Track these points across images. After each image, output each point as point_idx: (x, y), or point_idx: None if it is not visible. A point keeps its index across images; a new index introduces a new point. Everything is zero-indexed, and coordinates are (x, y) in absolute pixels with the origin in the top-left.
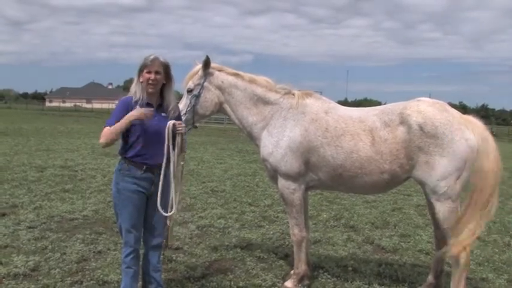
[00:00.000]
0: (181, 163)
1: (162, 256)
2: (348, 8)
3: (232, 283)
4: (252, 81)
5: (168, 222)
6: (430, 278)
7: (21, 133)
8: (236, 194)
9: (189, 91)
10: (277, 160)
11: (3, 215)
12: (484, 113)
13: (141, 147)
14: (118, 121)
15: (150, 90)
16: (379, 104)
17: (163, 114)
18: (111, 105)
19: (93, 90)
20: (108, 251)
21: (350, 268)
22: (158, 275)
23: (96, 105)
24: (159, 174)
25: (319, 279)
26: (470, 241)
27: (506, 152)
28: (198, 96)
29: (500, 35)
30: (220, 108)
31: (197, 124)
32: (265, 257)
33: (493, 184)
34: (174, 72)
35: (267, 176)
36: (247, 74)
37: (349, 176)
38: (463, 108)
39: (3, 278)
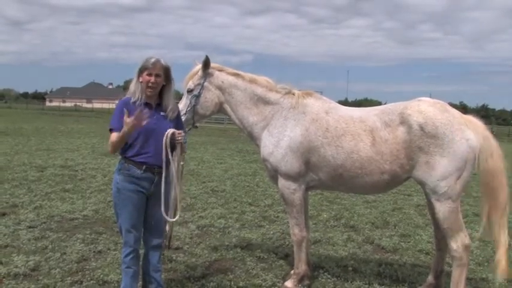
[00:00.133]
0: (181, 163)
1: (162, 256)
2: (348, 8)
3: (232, 283)
4: (252, 81)
5: (167, 227)
6: (430, 278)
7: (22, 133)
8: (236, 194)
9: (189, 91)
10: (277, 160)
11: (4, 214)
12: (484, 113)
13: (140, 147)
14: (120, 122)
15: (149, 92)
16: (379, 104)
17: (162, 113)
18: (112, 105)
19: (94, 90)
20: (108, 251)
21: (350, 268)
22: (158, 275)
23: (97, 105)
24: (159, 173)
25: (319, 279)
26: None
27: (506, 152)
28: (198, 96)
29: (500, 35)
30: (220, 108)
31: (197, 124)
32: (266, 257)
33: (505, 181)
34: (174, 72)
35: (267, 176)
36: (247, 74)
37: (349, 176)
38: (463, 108)
39: (4, 277)
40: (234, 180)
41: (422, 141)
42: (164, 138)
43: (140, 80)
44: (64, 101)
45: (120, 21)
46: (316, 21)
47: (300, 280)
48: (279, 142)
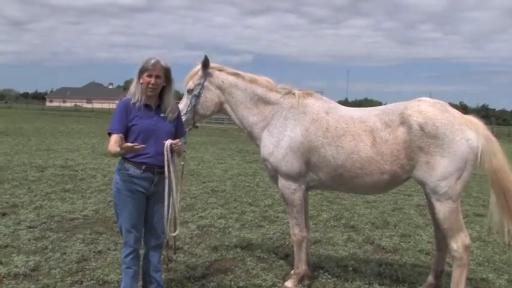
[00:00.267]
0: (182, 163)
1: (162, 256)
2: (348, 8)
3: (232, 283)
4: (252, 81)
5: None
6: (431, 278)
7: (22, 133)
8: (236, 194)
9: (189, 91)
10: (277, 160)
11: (4, 214)
12: (485, 113)
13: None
14: (120, 124)
15: (149, 93)
16: (379, 104)
17: (162, 114)
18: (112, 105)
19: (94, 90)
20: (109, 251)
21: (350, 268)
22: (158, 275)
23: (97, 105)
24: (159, 173)
25: (320, 279)
26: None
27: (506, 152)
28: (198, 96)
29: (500, 35)
30: (220, 108)
31: (198, 124)
32: (266, 257)
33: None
34: (174, 72)
35: (267, 176)
36: (247, 74)
37: (349, 176)
38: (464, 108)
39: (4, 277)
40: (234, 180)
41: (422, 141)
42: (165, 152)
43: (140, 82)
44: (64, 101)
45: (120, 21)
46: (316, 21)
47: (300, 280)
48: (279, 142)
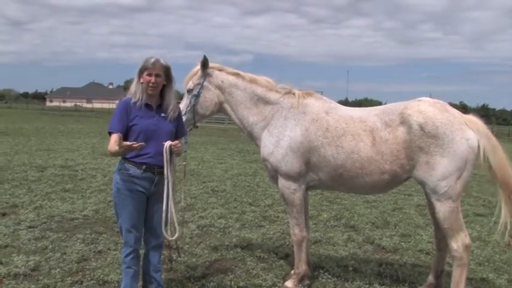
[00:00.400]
0: (184, 163)
1: (162, 256)
2: (348, 8)
3: (232, 283)
4: (252, 81)
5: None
6: (431, 278)
7: (22, 133)
8: (236, 193)
9: (189, 91)
10: (277, 160)
11: (4, 214)
12: (485, 113)
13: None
14: (120, 124)
15: (150, 92)
16: (379, 104)
17: (162, 114)
18: (112, 105)
19: (94, 90)
20: (109, 251)
21: (350, 268)
22: (158, 275)
23: (97, 105)
24: (160, 173)
25: (320, 279)
26: None
27: (506, 152)
28: (197, 96)
29: (500, 35)
30: (220, 108)
31: (198, 124)
32: (266, 256)
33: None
34: (174, 72)
35: (267, 176)
36: (247, 74)
37: (349, 176)
38: (464, 108)
39: (4, 277)
40: (234, 180)
41: (422, 141)
42: (164, 153)
43: (141, 81)
44: (64, 101)
45: (120, 21)
46: (317, 21)
47: (300, 280)
48: (279, 142)
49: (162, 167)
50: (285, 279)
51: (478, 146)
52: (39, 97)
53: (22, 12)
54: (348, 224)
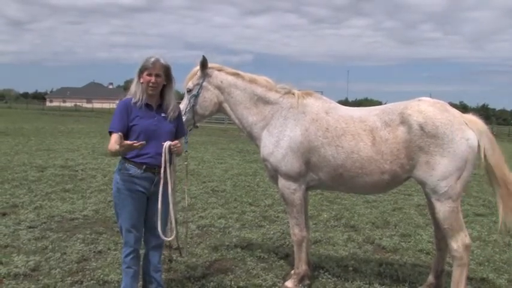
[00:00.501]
0: (185, 163)
1: (162, 256)
2: (348, 8)
3: (232, 283)
4: (252, 81)
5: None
6: (431, 278)
7: (22, 133)
8: (236, 193)
9: (189, 91)
10: (277, 160)
11: (4, 214)
12: (485, 113)
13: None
14: (121, 124)
15: (150, 92)
16: (379, 103)
17: (163, 114)
18: (112, 105)
19: (94, 90)
20: (109, 251)
21: (350, 268)
22: (159, 275)
23: (97, 105)
24: (160, 173)
25: (320, 279)
26: None
27: (506, 152)
28: (197, 96)
29: (500, 35)
30: (219, 108)
31: (198, 124)
32: (266, 256)
33: (508, 169)
34: (174, 72)
35: (267, 176)
36: (247, 74)
37: (349, 176)
38: (464, 108)
39: (4, 278)
40: (234, 180)
41: (422, 141)
42: (163, 154)
43: (141, 81)
44: (64, 101)
45: (120, 21)
46: (317, 21)
47: (300, 280)
48: (279, 142)
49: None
50: (285, 279)
51: (478, 146)
52: (39, 97)
53: (22, 12)
54: (348, 224)
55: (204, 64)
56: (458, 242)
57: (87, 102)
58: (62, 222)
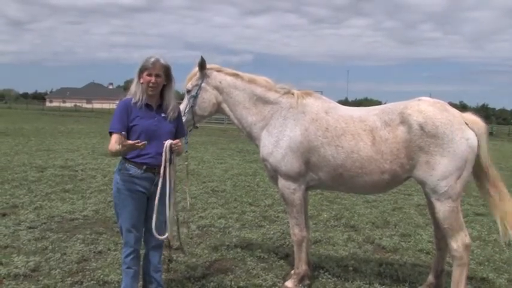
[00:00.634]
0: (186, 163)
1: (162, 256)
2: (348, 8)
3: (232, 283)
4: (251, 81)
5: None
6: (431, 278)
7: (22, 133)
8: (236, 193)
9: (188, 92)
10: (277, 160)
11: (4, 215)
12: (485, 113)
13: (141, 148)
14: (121, 124)
15: (150, 92)
16: (379, 103)
17: (163, 114)
18: (112, 105)
19: (94, 90)
20: (109, 251)
21: (350, 268)
22: (159, 275)
23: (97, 105)
24: (159, 173)
25: (320, 279)
26: None
27: (506, 151)
28: (195, 97)
29: (500, 35)
30: (218, 109)
31: (198, 124)
32: (266, 256)
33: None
34: (174, 72)
35: (267, 176)
36: (246, 74)
37: (349, 176)
38: (464, 108)
39: (4, 278)
40: (234, 180)
41: (422, 140)
42: (163, 152)
43: (141, 81)
44: (64, 101)
45: (120, 21)
46: (317, 21)
47: (300, 280)
48: (278, 142)
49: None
50: (285, 279)
51: (478, 145)
52: (39, 97)
53: (22, 12)
54: (348, 223)
55: (202, 65)
56: (458, 242)
57: (87, 103)
58: (62, 222)
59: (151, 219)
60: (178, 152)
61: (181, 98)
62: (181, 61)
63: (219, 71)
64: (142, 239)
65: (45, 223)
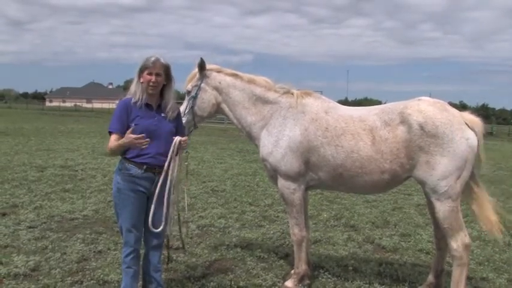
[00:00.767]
0: (186, 163)
1: (162, 256)
2: (348, 8)
3: (232, 283)
4: (250, 81)
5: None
6: (431, 278)
7: (22, 133)
8: (236, 193)
9: (188, 93)
10: (277, 160)
11: (4, 214)
12: (484, 112)
13: (141, 148)
14: (120, 124)
15: (150, 92)
16: (379, 103)
17: (162, 114)
18: (111, 105)
19: (93, 90)
20: (109, 251)
21: (350, 268)
22: (158, 275)
23: (96, 105)
24: (160, 173)
25: (320, 278)
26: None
27: (506, 151)
28: (195, 98)
29: (500, 35)
30: (218, 109)
31: (198, 125)
32: (266, 256)
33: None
34: (174, 72)
35: (266, 176)
36: (245, 75)
37: (349, 176)
38: (463, 108)
39: (4, 278)
40: (234, 180)
41: (422, 140)
42: (172, 147)
43: (141, 81)
44: (64, 101)
45: (120, 21)
46: (317, 21)
47: (300, 280)
48: (278, 142)
49: (163, 167)
50: (285, 279)
51: (478, 145)
52: (39, 97)
53: (22, 12)
54: (348, 223)
55: (202, 66)
56: (458, 242)
57: (87, 102)
58: (61, 222)
59: (152, 218)
60: (184, 147)
61: (180, 97)
62: (181, 61)
63: (218, 71)
64: (142, 239)
65: (45, 223)
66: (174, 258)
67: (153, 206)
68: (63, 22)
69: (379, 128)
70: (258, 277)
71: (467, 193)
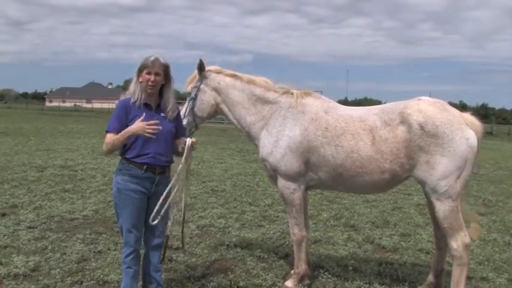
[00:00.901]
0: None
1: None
2: (348, 7)
3: (232, 283)
4: (250, 82)
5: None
6: (431, 277)
7: (22, 133)
8: (236, 193)
9: (188, 94)
10: (276, 160)
11: (3, 215)
12: (484, 112)
13: (141, 148)
14: (119, 124)
15: (149, 91)
16: (379, 103)
17: (162, 114)
18: (111, 105)
19: (93, 90)
20: (109, 251)
21: (350, 267)
22: (158, 275)
23: (96, 105)
24: (160, 173)
25: (320, 278)
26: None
27: (506, 151)
28: (195, 99)
29: (500, 35)
30: (217, 110)
31: (199, 126)
32: (266, 256)
33: None
34: (174, 72)
35: (266, 176)
36: (245, 75)
37: (349, 176)
38: (463, 108)
39: (4, 278)
40: (234, 179)
41: (422, 140)
42: (186, 147)
43: (140, 80)
44: (64, 101)
45: (120, 21)
46: (317, 20)
47: (300, 280)
48: (278, 142)
49: (163, 167)
50: (285, 278)
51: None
52: (39, 97)
53: (22, 12)
54: (348, 223)
55: (201, 67)
56: (458, 242)
57: (86, 102)
58: (61, 222)
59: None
60: (195, 149)
61: (180, 97)
62: (181, 61)
63: (218, 72)
64: (142, 239)
65: (44, 223)
66: (174, 258)
67: (158, 204)
68: (63, 22)
69: (379, 128)
70: (258, 277)
71: None
